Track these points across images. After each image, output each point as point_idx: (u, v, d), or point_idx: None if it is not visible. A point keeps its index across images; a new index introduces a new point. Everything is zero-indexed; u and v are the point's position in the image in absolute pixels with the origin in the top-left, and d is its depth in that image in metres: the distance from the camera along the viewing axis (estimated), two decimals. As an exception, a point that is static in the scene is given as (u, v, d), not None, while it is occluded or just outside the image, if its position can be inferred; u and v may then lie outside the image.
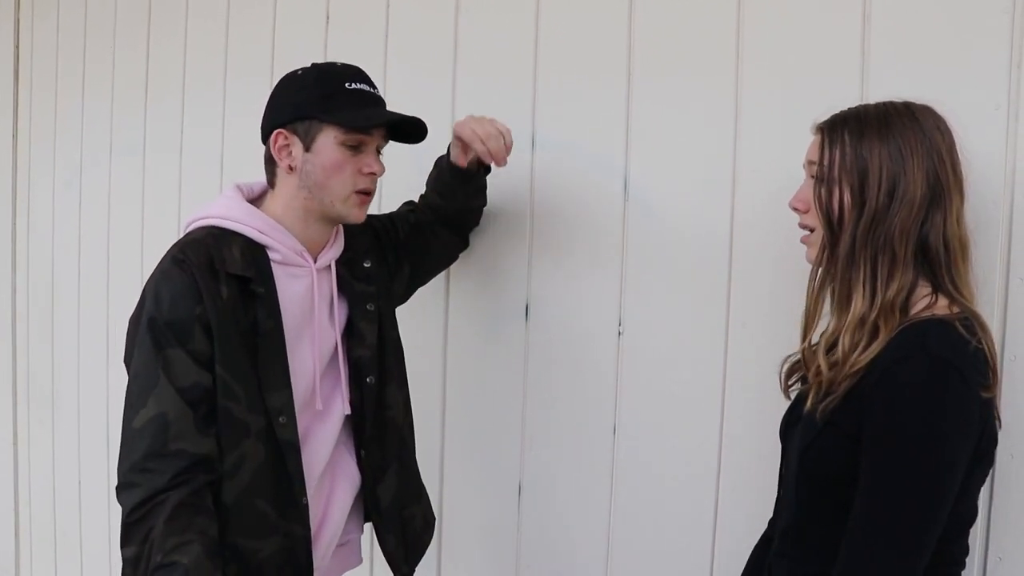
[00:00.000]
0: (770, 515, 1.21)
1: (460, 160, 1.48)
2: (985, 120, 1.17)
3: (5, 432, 2.91)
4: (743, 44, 1.38)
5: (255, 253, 1.29)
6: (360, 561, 1.55)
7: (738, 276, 1.40)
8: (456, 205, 1.55)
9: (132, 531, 1.17)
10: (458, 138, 1.46)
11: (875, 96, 1.14)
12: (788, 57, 1.34)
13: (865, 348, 0.98)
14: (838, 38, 1.29)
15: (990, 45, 1.17)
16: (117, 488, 1.20)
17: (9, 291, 2.85)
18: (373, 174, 1.33)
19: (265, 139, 1.34)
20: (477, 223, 1.64)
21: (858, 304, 1.00)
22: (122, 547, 1.17)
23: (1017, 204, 1.17)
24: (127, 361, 1.26)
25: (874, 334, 0.99)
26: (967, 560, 1.05)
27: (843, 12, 1.28)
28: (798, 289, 1.27)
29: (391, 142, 1.39)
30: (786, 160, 1.29)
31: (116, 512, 1.21)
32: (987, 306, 1.16)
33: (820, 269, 1.08)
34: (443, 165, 1.52)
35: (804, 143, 1.12)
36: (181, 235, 1.32)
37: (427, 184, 1.59)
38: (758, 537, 1.23)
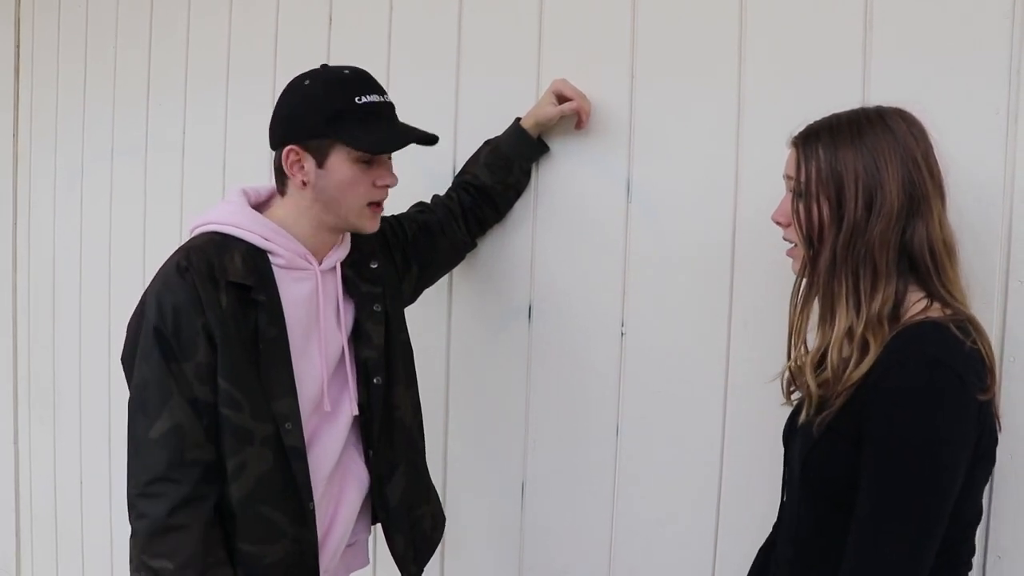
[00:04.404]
0: (773, 515, 1.22)
1: (534, 128, 1.56)
2: (985, 124, 1.19)
3: (6, 431, 2.91)
4: (745, 46, 1.39)
5: (257, 259, 1.29)
6: (367, 562, 1.55)
7: (740, 277, 1.41)
8: (507, 181, 1.59)
9: (160, 542, 1.19)
10: (558, 93, 1.52)
11: (876, 99, 1.15)
12: (790, 60, 1.35)
13: (858, 363, 0.98)
14: (840, 42, 1.29)
15: (990, 50, 1.18)
16: (137, 497, 1.22)
17: (9, 291, 2.85)
18: (387, 186, 1.34)
19: (275, 147, 1.33)
20: (510, 207, 1.66)
21: (842, 319, 1.00)
22: (151, 558, 1.20)
23: (1016, 207, 1.18)
24: (124, 361, 1.27)
25: (864, 348, 0.98)
26: (969, 559, 1.06)
27: (845, 16, 1.29)
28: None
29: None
30: (788, 163, 1.30)
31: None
32: (986, 308, 1.17)
33: (803, 283, 1.07)
34: (502, 139, 1.59)
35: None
36: (185, 240, 1.33)
37: (469, 164, 1.63)
38: (760, 537, 1.24)
